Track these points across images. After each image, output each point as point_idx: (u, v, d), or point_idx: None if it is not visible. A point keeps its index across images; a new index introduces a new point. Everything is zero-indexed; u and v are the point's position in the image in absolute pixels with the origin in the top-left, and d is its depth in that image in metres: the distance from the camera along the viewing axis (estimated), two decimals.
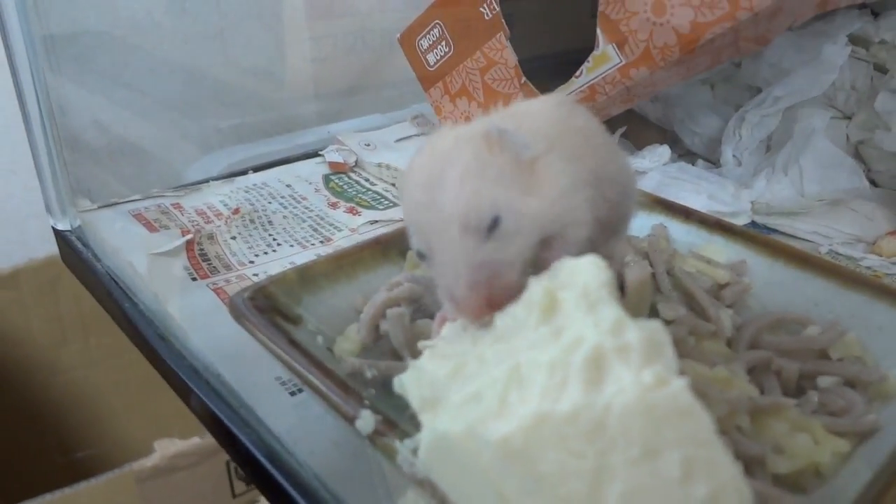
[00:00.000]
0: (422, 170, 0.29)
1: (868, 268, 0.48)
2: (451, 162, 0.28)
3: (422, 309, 0.36)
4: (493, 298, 0.26)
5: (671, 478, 0.21)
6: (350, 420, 0.28)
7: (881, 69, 0.56)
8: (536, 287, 0.25)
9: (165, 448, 0.88)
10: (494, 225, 0.27)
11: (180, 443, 0.89)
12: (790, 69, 0.55)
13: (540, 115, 0.32)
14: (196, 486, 0.91)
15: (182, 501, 0.90)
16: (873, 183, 0.54)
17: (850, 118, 0.56)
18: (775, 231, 0.52)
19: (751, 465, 0.29)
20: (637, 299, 0.26)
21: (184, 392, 0.40)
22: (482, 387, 0.24)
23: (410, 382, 0.27)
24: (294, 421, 0.37)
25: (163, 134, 0.69)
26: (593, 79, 0.50)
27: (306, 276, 0.37)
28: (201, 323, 0.43)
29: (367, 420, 0.27)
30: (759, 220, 0.52)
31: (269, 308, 0.35)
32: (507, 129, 0.28)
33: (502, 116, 0.32)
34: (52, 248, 0.93)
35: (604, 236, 0.32)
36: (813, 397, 0.34)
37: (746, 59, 0.59)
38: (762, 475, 0.28)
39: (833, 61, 0.53)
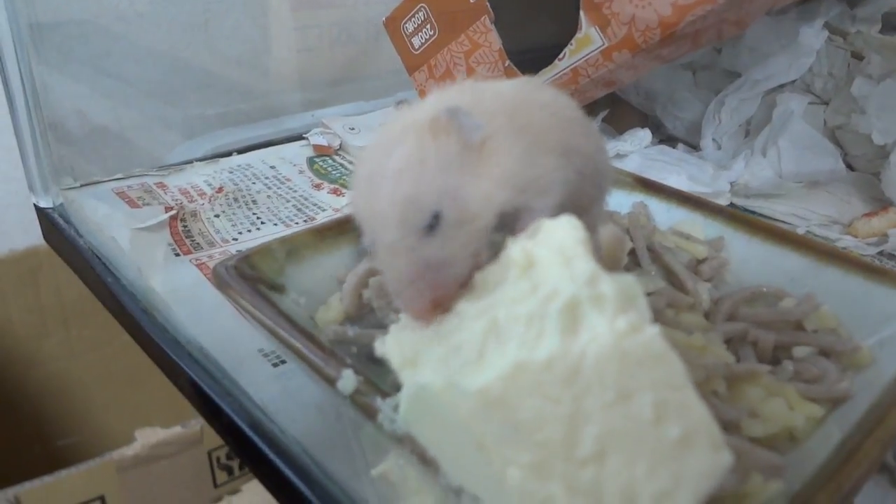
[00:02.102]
0: (367, 161, 0.28)
1: (844, 248, 0.49)
2: (391, 154, 0.26)
3: None
4: (437, 299, 0.26)
5: (644, 419, 0.21)
6: (331, 381, 0.28)
7: (858, 56, 0.57)
8: (514, 246, 0.26)
9: (146, 437, 0.87)
10: (435, 222, 0.26)
11: (161, 432, 0.88)
12: (769, 54, 0.55)
13: (502, 90, 0.31)
14: (177, 475, 0.90)
15: (163, 490, 0.90)
16: (850, 167, 0.55)
17: (827, 104, 0.57)
18: (754, 213, 0.53)
19: (727, 429, 0.30)
20: (612, 257, 0.26)
21: (166, 364, 0.40)
22: (461, 341, 0.24)
23: (391, 343, 0.28)
24: (276, 391, 0.37)
25: (146, 122, 0.69)
26: (576, 61, 0.51)
27: (290, 247, 0.37)
28: (184, 297, 0.43)
29: (348, 379, 0.27)
30: (738, 201, 0.53)
31: (252, 277, 0.35)
32: (458, 109, 0.27)
33: (462, 90, 0.31)
34: (32, 239, 0.93)
35: (577, 210, 0.32)
36: (788, 366, 0.35)
37: (726, 44, 0.60)
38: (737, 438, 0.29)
39: (810, 45, 0.54)
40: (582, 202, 0.33)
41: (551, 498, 0.21)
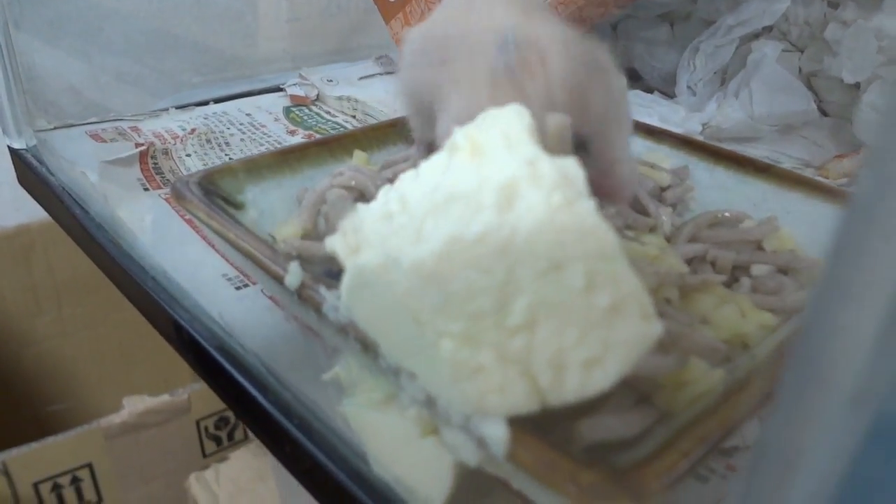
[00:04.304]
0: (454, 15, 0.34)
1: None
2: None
3: (364, 198, 0.37)
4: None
5: (575, 288, 0.21)
6: (279, 278, 0.28)
7: (834, 6, 0.57)
8: (459, 133, 0.26)
9: (134, 404, 0.88)
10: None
11: (149, 400, 0.88)
12: (743, 0, 0.55)
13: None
14: (165, 443, 0.90)
15: (151, 458, 0.90)
16: (823, 113, 0.55)
17: (803, 52, 0.57)
18: None
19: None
20: (557, 143, 0.26)
21: (131, 289, 0.40)
22: (402, 223, 0.24)
23: (338, 237, 0.28)
24: (238, 313, 0.37)
25: (136, 97, 0.69)
26: None
27: (251, 167, 0.38)
28: (151, 228, 0.43)
29: (294, 274, 0.28)
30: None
31: (211, 192, 0.35)
32: None
33: None
34: (24, 217, 0.93)
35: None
36: (746, 282, 0.35)
37: None
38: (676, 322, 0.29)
39: None
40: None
41: (482, 367, 0.22)
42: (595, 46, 0.31)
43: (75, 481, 0.86)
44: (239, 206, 0.36)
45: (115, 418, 0.87)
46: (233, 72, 0.77)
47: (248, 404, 0.32)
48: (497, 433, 0.21)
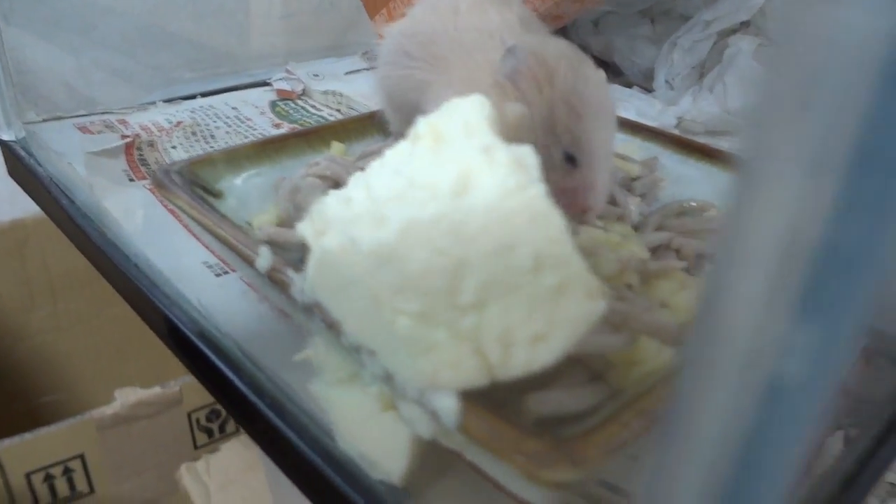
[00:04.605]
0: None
1: None
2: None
3: (339, 187, 0.37)
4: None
5: (523, 269, 0.22)
6: (250, 262, 0.29)
7: None
8: (422, 122, 0.27)
9: (126, 396, 0.88)
10: None
11: (141, 392, 0.89)
12: None
13: None
14: (157, 435, 0.91)
15: (143, 450, 0.91)
16: None
17: None
18: None
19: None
20: (516, 133, 0.27)
21: (114, 275, 0.41)
22: (365, 207, 0.26)
23: (306, 222, 0.29)
24: (217, 299, 0.38)
25: (131, 93, 0.70)
26: None
27: (231, 158, 0.39)
28: (135, 217, 0.44)
29: (265, 256, 0.29)
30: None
31: (191, 181, 0.36)
32: None
33: None
34: (18, 212, 0.93)
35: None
36: None
37: None
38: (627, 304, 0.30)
39: None
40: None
41: (436, 344, 0.23)
42: (594, 68, 0.31)
43: (67, 472, 0.86)
44: (218, 195, 0.37)
45: (108, 410, 0.87)
46: (226, 68, 0.78)
47: (225, 386, 0.33)
48: (449, 405, 0.22)
